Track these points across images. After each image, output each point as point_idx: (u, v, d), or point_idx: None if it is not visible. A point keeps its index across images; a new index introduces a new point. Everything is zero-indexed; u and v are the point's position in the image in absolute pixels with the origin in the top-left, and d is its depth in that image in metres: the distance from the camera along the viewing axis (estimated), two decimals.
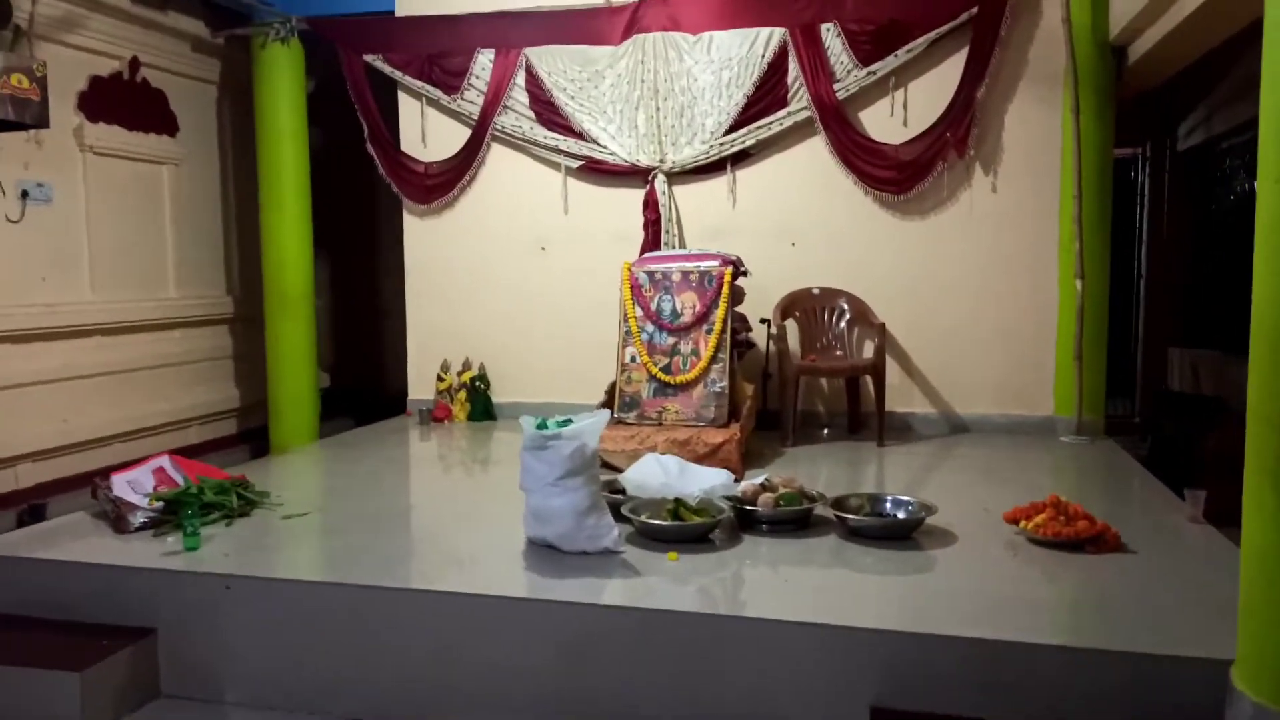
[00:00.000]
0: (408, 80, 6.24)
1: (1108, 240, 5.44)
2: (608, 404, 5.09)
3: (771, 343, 5.81)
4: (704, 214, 5.98)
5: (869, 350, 5.75)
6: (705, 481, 3.68)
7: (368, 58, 6.26)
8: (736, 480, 3.91)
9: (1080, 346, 5.33)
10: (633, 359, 5.09)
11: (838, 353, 5.69)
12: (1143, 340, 7.84)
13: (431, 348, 6.46)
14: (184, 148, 6.48)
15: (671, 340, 5.07)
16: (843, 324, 5.72)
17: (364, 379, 8.76)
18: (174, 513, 3.68)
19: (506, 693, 2.88)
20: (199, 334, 6.75)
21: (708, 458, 4.60)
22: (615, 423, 4.99)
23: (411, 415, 6.35)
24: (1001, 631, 2.65)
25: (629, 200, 6.02)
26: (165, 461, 4.15)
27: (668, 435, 4.70)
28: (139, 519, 3.69)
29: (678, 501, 3.54)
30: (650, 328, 5.11)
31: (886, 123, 5.63)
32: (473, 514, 4.00)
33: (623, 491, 3.80)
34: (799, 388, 5.38)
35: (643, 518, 3.53)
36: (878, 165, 5.59)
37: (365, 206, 8.17)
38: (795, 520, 3.61)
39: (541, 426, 3.36)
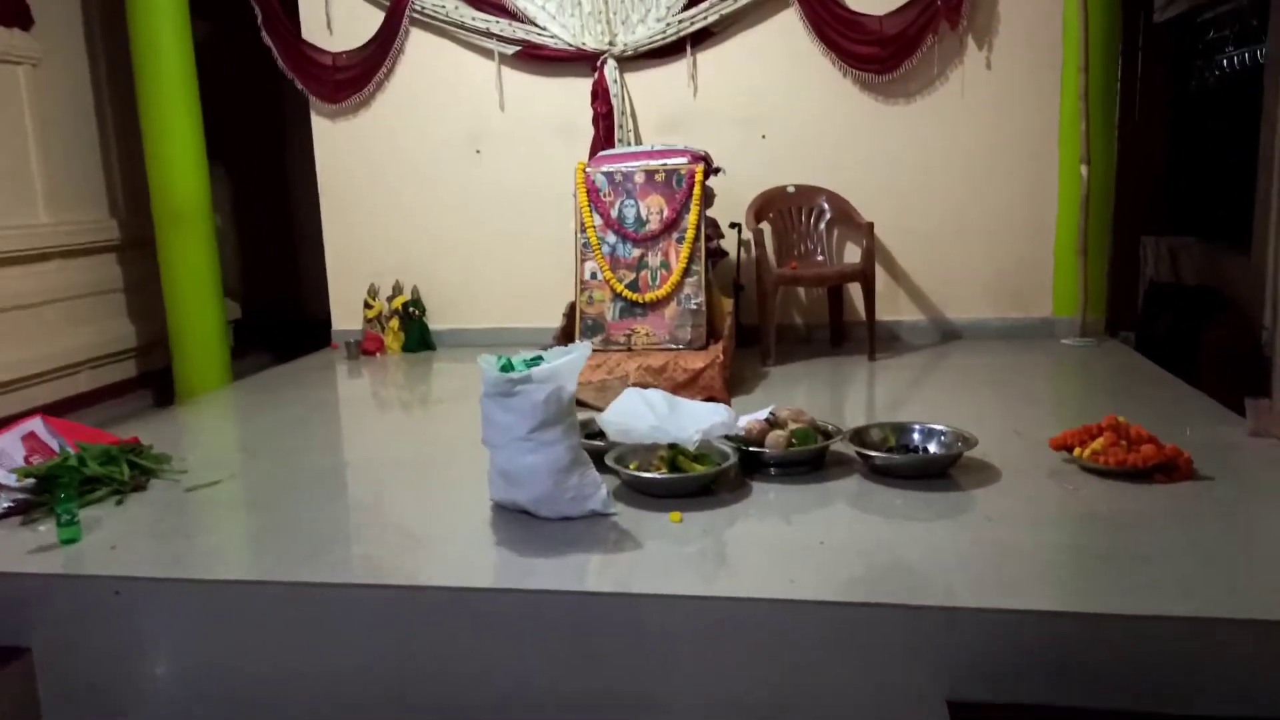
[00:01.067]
0: None
1: (1114, 120, 4.90)
2: (567, 329, 4.44)
3: (743, 250, 5.20)
4: (661, 104, 5.25)
5: (852, 254, 5.17)
6: (701, 420, 3.08)
7: None
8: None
9: (1085, 240, 4.82)
10: (593, 275, 4.42)
11: (819, 258, 5.09)
12: (1114, 229, 7.42)
13: (355, 270, 5.68)
14: (43, 44, 5.44)
15: (637, 252, 4.41)
16: (822, 226, 5.11)
17: (281, 307, 7.91)
18: (49, 491, 2.95)
19: (489, 706, 2.29)
20: (80, 264, 5.83)
21: (686, 386, 4.01)
22: None
23: (338, 348, 5.60)
24: (1093, 600, 2.15)
25: (575, 91, 5.25)
26: (38, 425, 3.37)
27: (639, 361, 4.09)
28: (3, 503, 2.96)
29: (674, 448, 2.94)
30: (612, 238, 4.43)
31: None
32: (423, 470, 3.35)
33: (601, 436, 3.19)
34: (778, 300, 4.78)
35: (631, 468, 2.94)
36: (858, 40, 4.91)
37: (270, 108, 7.19)
38: (809, 461, 3.05)
39: (506, 368, 2.71)
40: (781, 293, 4.84)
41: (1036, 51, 4.85)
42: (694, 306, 4.31)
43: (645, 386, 4.03)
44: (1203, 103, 6.60)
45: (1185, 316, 5.87)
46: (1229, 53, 6.21)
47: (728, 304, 4.35)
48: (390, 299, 5.60)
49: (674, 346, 4.27)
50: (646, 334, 4.32)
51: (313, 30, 5.45)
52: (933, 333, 5.19)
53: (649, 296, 4.33)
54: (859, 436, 3.10)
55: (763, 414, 3.22)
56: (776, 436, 3.03)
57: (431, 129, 5.47)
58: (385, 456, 3.55)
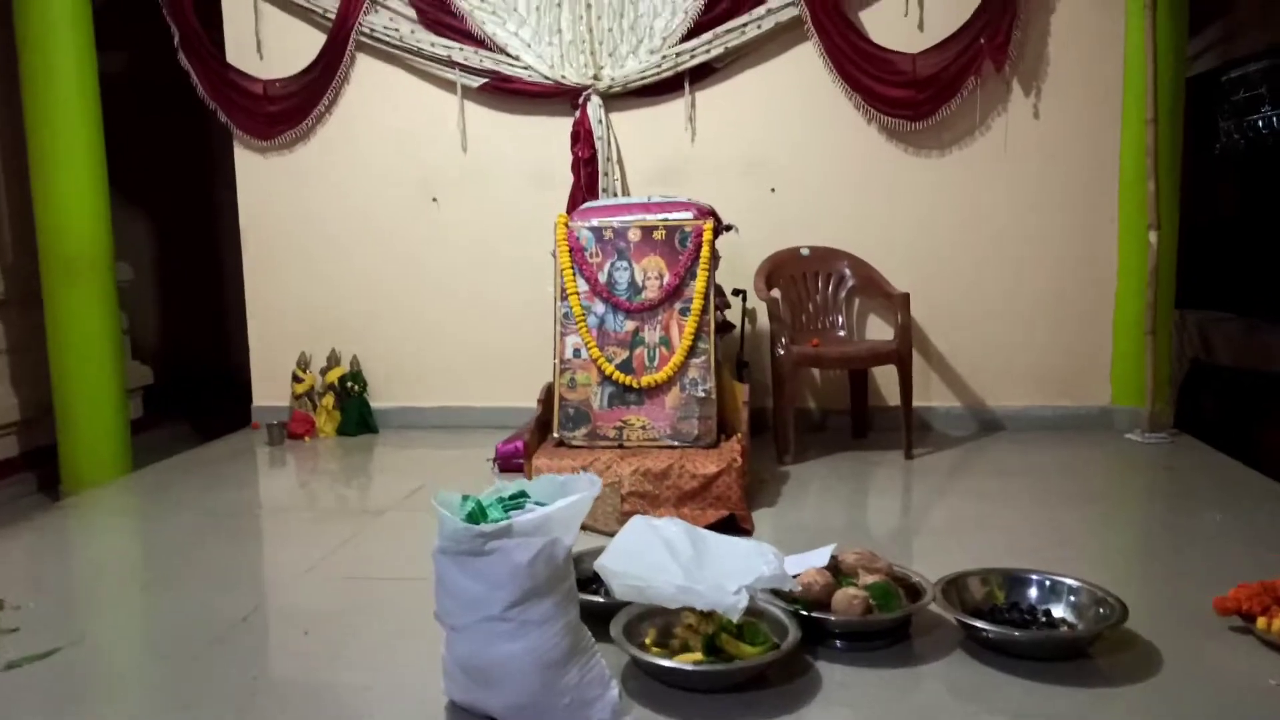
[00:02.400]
0: None
1: (1178, 179, 4.23)
2: (544, 418, 3.57)
3: (747, 321, 4.40)
4: (653, 150, 4.48)
5: (876, 329, 4.40)
6: (740, 568, 2.23)
7: None
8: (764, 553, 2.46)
9: (1154, 318, 4.11)
10: (576, 353, 3.57)
11: (840, 333, 4.31)
12: None
13: (283, 336, 4.76)
14: None
15: (631, 325, 3.58)
16: (843, 295, 4.34)
17: (203, 369, 6.93)
18: None
19: None
20: None
21: (695, 497, 3.17)
22: (555, 444, 3.49)
23: (259, 429, 4.65)
24: None
25: (552, 132, 4.46)
26: None
27: (635, 464, 3.23)
28: None
29: (713, 620, 2.08)
30: (600, 308, 3.59)
31: (898, 25, 4.24)
32: (351, 629, 2.44)
33: (596, 583, 2.32)
34: (794, 380, 3.97)
35: (650, 647, 2.07)
36: (887, 81, 4.19)
37: (196, 140, 6.28)
38: (892, 631, 2.21)
39: (476, 514, 1.84)
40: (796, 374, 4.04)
41: (1092, 99, 4.18)
42: (702, 394, 3.48)
43: (642, 495, 3.19)
44: (1228, 166, 6.05)
45: (1231, 400, 5.22)
46: (1264, 113, 5.65)
47: (742, 391, 3.53)
48: (324, 371, 4.69)
49: (677, 444, 3.42)
50: (643, 427, 3.47)
51: (240, 54, 4.60)
52: (969, 422, 4.42)
53: (646, 380, 3.49)
54: (955, 591, 2.27)
55: (819, 556, 2.38)
56: (847, 597, 2.18)
57: (380, 172, 4.62)
58: (302, 604, 2.61)
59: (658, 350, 3.55)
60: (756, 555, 2.29)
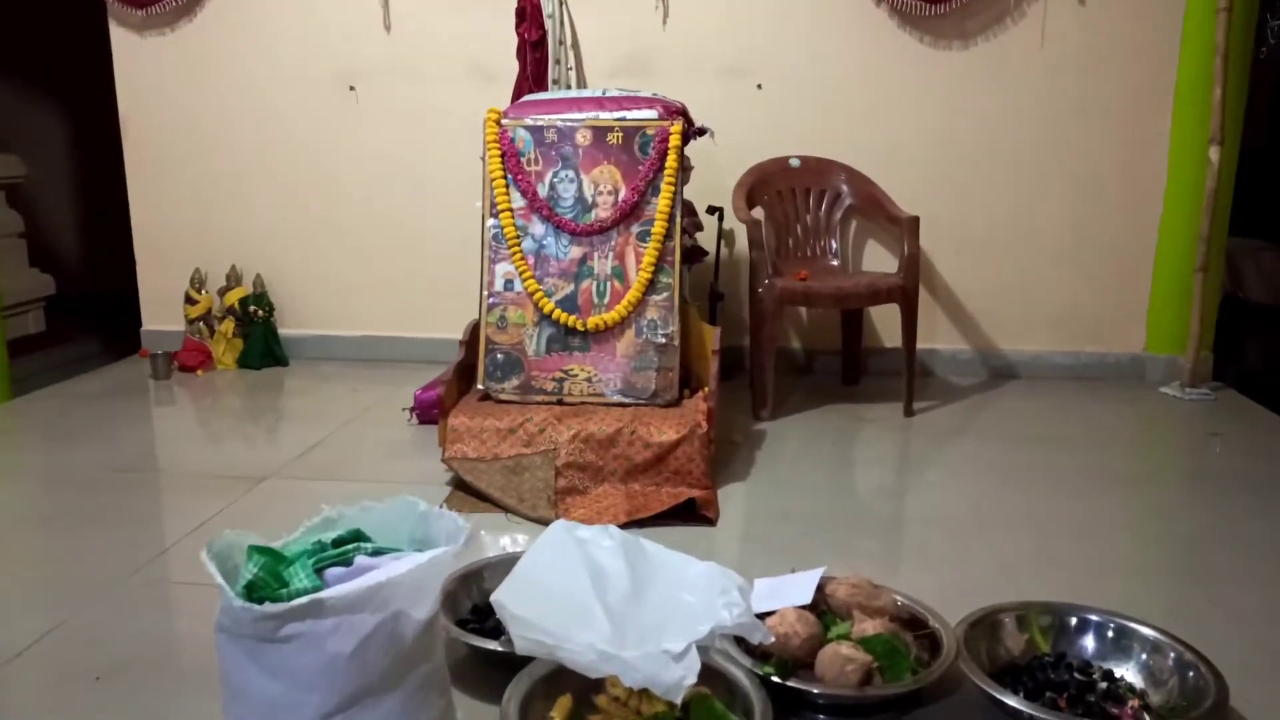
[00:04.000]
0: None
1: (1246, 86, 3.51)
2: (467, 364, 2.90)
3: (723, 244, 3.71)
4: (617, 35, 3.70)
5: (878, 258, 3.72)
6: (689, 610, 1.61)
7: None
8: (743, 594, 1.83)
9: (1207, 252, 3.45)
10: (508, 285, 2.88)
11: (833, 262, 3.63)
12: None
13: (174, 251, 4.03)
14: None
15: (577, 251, 2.88)
16: (837, 216, 3.64)
17: (111, 279, 6.17)
18: None
19: None
20: None
21: (649, 471, 2.55)
22: (480, 398, 2.83)
23: (153, 353, 3.93)
24: None
25: (494, 8, 3.66)
26: None
27: (576, 426, 2.58)
28: None
29: (649, 699, 1.46)
30: (539, 228, 2.89)
31: None
32: (184, 683, 1.80)
33: (496, 631, 1.69)
34: (777, 319, 3.30)
35: None
36: None
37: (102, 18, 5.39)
38: (897, 704, 1.61)
39: (267, 581, 1.17)
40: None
41: None
42: (662, 339, 2.81)
43: (583, 467, 2.55)
44: (1273, 73, 5.30)
45: (1273, 345, 4.61)
46: None
47: (712, 335, 2.85)
48: (223, 292, 3.97)
49: (629, 400, 2.77)
50: (588, 379, 2.81)
51: None
52: (978, 368, 3.79)
53: (594, 321, 2.82)
54: (984, 638, 1.66)
55: (800, 588, 1.75)
56: (839, 659, 1.56)
57: (284, 55, 3.82)
58: (107, 629, 1.97)
59: (609, 283, 2.87)
60: (716, 590, 1.66)
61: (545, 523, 2.40)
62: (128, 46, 3.88)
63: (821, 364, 3.81)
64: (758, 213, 3.48)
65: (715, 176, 3.49)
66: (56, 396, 3.61)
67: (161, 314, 4.10)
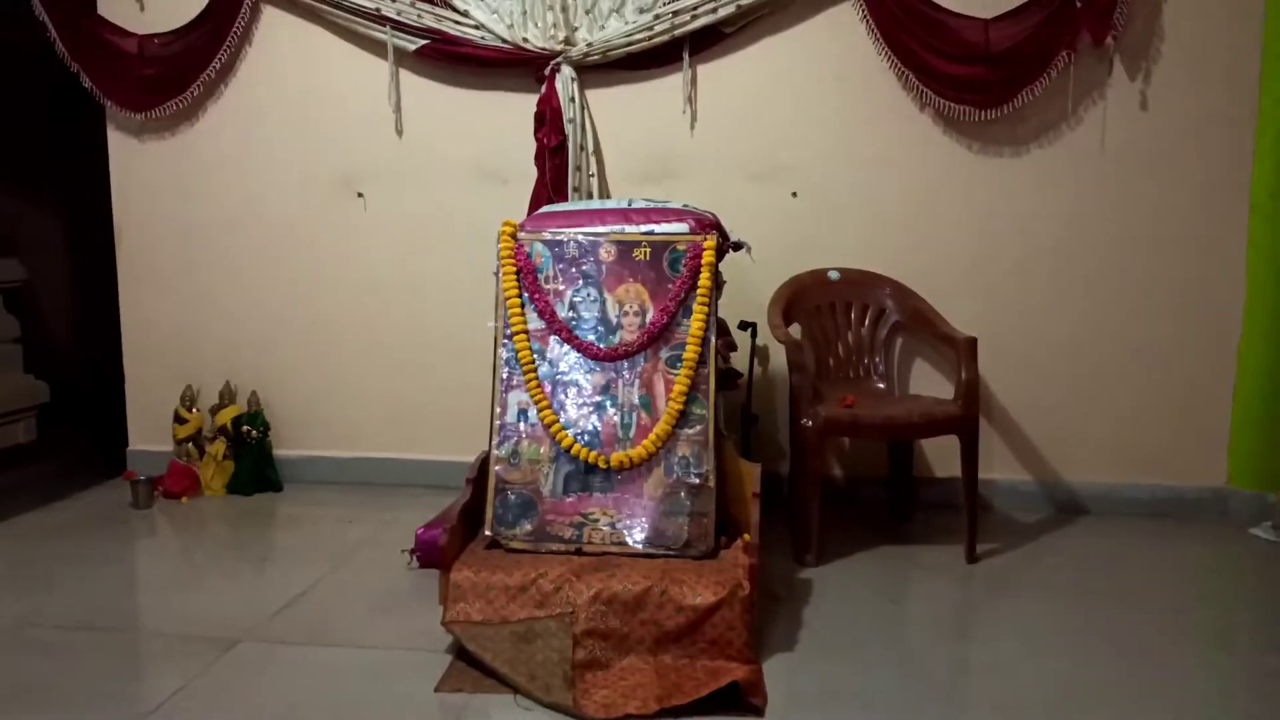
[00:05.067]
0: None
1: None
2: (473, 505, 2.56)
3: (755, 361, 3.41)
4: (640, 138, 3.47)
5: (927, 378, 3.40)
6: None
7: None
8: None
9: None
10: (522, 415, 2.57)
11: (878, 385, 3.30)
12: None
13: (166, 364, 3.76)
14: None
15: (600, 378, 2.58)
16: (883, 334, 3.33)
17: (109, 387, 5.91)
18: None
19: None
20: None
21: (682, 640, 2.18)
22: (487, 544, 2.48)
23: (134, 477, 3.60)
24: None
25: (511, 111, 3.45)
26: None
27: (597, 585, 2.22)
28: None
29: None
30: (558, 352, 2.59)
31: None
32: None
33: None
34: (822, 452, 2.95)
35: None
36: (952, 55, 3.18)
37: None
38: None
39: None
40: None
41: (1219, 84, 3.18)
42: (695, 479, 2.48)
43: (605, 635, 2.18)
44: None
45: None
46: None
47: (752, 474, 2.51)
48: (215, 410, 3.67)
49: (659, 552, 2.41)
50: (612, 526, 2.46)
51: (116, 4, 3.58)
52: (1041, 502, 3.42)
53: (618, 458, 2.49)
54: None
55: None
56: None
57: (288, 158, 3.61)
58: None
59: (635, 415, 2.55)
60: None
61: (560, 710, 2.03)
62: (125, 151, 3.68)
63: (867, 493, 3.45)
64: (795, 330, 3.19)
65: (748, 289, 3.21)
66: (28, 529, 3.28)
67: (150, 432, 3.80)
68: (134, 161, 3.67)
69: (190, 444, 3.66)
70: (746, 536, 2.39)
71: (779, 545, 2.95)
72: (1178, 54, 3.18)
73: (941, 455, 3.32)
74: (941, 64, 3.18)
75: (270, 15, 3.52)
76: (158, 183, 3.67)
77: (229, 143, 3.62)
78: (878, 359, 3.33)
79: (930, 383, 3.39)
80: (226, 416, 3.64)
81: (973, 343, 2.94)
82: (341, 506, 3.46)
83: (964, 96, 3.20)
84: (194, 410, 3.68)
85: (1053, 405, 3.38)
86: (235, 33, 3.47)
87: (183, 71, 3.50)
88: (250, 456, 3.63)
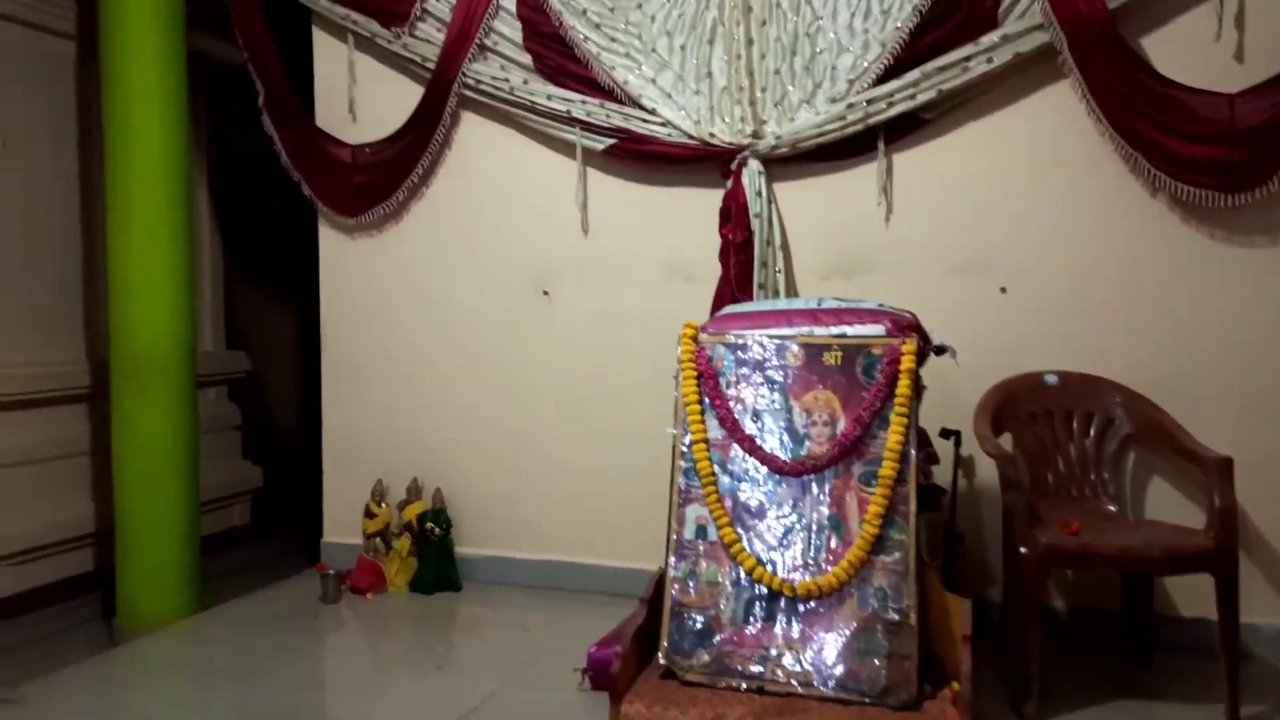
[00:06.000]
0: (324, 6, 3.70)
1: None
2: (646, 622, 2.39)
3: (960, 473, 3.08)
4: (831, 233, 3.30)
5: (1165, 500, 2.96)
6: None
7: None
8: None
9: None
10: (701, 532, 2.40)
11: (1108, 507, 2.89)
12: None
13: (360, 459, 3.86)
14: (9, 126, 3.98)
15: (787, 494, 2.37)
16: (1111, 447, 2.94)
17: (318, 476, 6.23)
18: None
19: None
20: (28, 419, 4.21)
21: None
22: (662, 674, 2.29)
23: (325, 570, 3.69)
24: None
25: (697, 206, 3.37)
26: None
27: None
28: None
29: None
30: (741, 465, 2.41)
31: (1205, 53, 2.89)
32: None
33: None
34: (1043, 584, 2.59)
35: None
36: (1188, 134, 2.83)
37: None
38: None
39: None
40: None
41: None
42: (894, 615, 2.20)
43: None
44: None
45: None
46: None
47: (960, 611, 2.21)
48: (402, 506, 3.72)
49: (853, 698, 2.14)
50: (798, 662, 2.22)
51: (331, 114, 3.83)
52: None
53: (805, 586, 2.26)
54: None
55: None
56: None
57: (480, 258, 3.68)
58: None
59: (825, 537, 2.32)
60: None
61: None
62: (335, 250, 3.88)
63: (1095, 628, 3.00)
64: (1006, 441, 2.86)
65: (950, 393, 2.91)
66: (232, 617, 3.41)
67: (344, 525, 3.89)
68: (343, 261, 3.86)
69: (378, 538, 3.72)
70: (956, 685, 2.09)
71: (990, 689, 2.58)
72: None
73: (1189, 590, 2.85)
74: (1176, 144, 2.83)
75: (468, 120, 3.64)
76: (362, 281, 3.83)
77: (428, 243, 3.74)
78: (1105, 475, 2.93)
79: (1170, 506, 2.94)
80: (412, 513, 3.68)
81: (1227, 464, 2.51)
82: (520, 610, 3.39)
83: (1204, 179, 2.82)
84: (383, 505, 3.75)
85: None
86: (437, 139, 3.61)
87: (391, 177, 3.67)
88: (433, 554, 3.63)
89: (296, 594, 3.66)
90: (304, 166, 3.80)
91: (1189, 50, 2.89)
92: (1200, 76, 2.84)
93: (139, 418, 3.81)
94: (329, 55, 3.79)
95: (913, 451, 2.32)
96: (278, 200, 4.76)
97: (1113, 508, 2.88)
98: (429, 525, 3.64)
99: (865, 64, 3.09)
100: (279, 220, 5.52)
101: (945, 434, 3.00)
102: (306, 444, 6.31)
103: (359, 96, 3.77)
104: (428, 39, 3.57)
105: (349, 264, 3.86)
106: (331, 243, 3.88)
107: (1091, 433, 2.94)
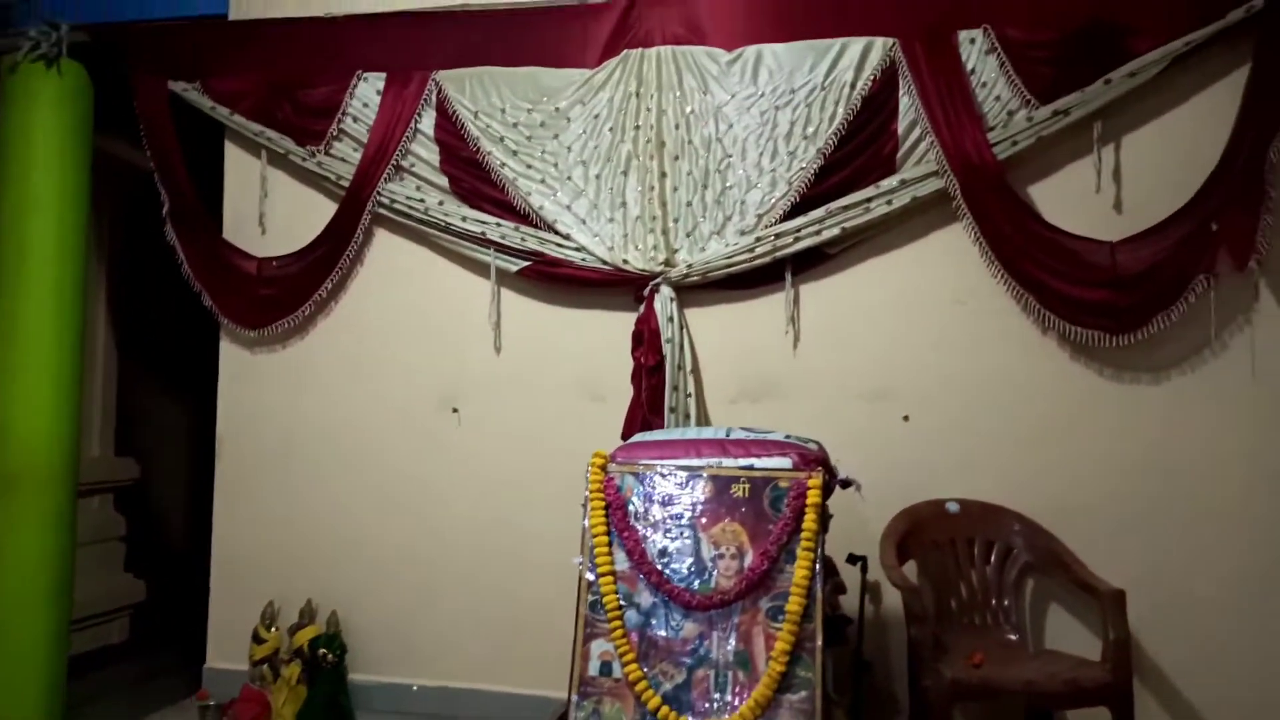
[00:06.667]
0: (239, 122, 3.68)
1: None
2: None
3: (867, 599, 3.08)
4: (740, 358, 3.35)
5: (1062, 629, 3.01)
6: None
7: (176, 86, 3.72)
8: None
9: None
10: (605, 669, 2.33)
11: (1009, 636, 2.93)
12: None
13: (252, 580, 3.67)
14: None
15: (693, 629, 2.33)
16: (1011, 575, 2.99)
17: (204, 592, 5.90)
18: None
19: None
20: None
21: None
22: None
23: (206, 700, 3.45)
24: None
25: (609, 329, 3.40)
26: None
27: None
28: None
29: None
30: (647, 598, 2.37)
31: (1087, 203, 3.09)
32: None
33: None
34: (950, 716, 2.58)
35: None
36: (1076, 279, 3.00)
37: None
38: None
39: None
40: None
41: None
42: None
43: None
44: None
45: None
46: None
47: None
48: (294, 630, 3.53)
49: None
50: None
51: (239, 227, 3.76)
52: None
53: None
54: None
55: None
56: None
57: (387, 374, 3.61)
58: None
59: (731, 674, 2.28)
60: None
61: None
62: (236, 362, 3.76)
63: None
64: (911, 569, 2.89)
65: (856, 518, 2.94)
66: None
67: (229, 650, 3.67)
68: (243, 372, 3.74)
69: (266, 665, 3.50)
70: None
71: None
72: None
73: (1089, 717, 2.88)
74: (1064, 286, 3.00)
75: (381, 236, 3.62)
76: (263, 394, 3.71)
77: (334, 358, 3.66)
78: (1006, 603, 2.98)
79: (1069, 632, 3.00)
80: (304, 638, 3.48)
81: (1119, 596, 2.59)
82: None
83: (1091, 320, 2.99)
84: (273, 629, 3.55)
85: (1215, 666, 2.93)
86: (349, 255, 3.58)
87: (297, 292, 3.60)
88: (325, 682, 3.43)
89: None
90: (207, 278, 3.71)
91: (1072, 199, 3.09)
92: (1083, 224, 3.04)
93: (8, 534, 3.56)
94: (240, 167, 3.75)
95: (819, 588, 2.32)
96: (182, 305, 4.65)
97: (1013, 636, 2.91)
98: (322, 651, 3.44)
99: (773, 200, 3.21)
100: (181, 325, 5.37)
101: (852, 559, 3.01)
102: (195, 557, 6.00)
103: (269, 210, 3.72)
104: (343, 158, 3.57)
105: (250, 376, 3.74)
106: (232, 355, 3.76)
107: (992, 560, 3.00)
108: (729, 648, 2.31)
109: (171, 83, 3.71)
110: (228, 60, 3.71)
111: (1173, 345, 3.00)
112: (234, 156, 3.77)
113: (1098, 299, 2.96)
